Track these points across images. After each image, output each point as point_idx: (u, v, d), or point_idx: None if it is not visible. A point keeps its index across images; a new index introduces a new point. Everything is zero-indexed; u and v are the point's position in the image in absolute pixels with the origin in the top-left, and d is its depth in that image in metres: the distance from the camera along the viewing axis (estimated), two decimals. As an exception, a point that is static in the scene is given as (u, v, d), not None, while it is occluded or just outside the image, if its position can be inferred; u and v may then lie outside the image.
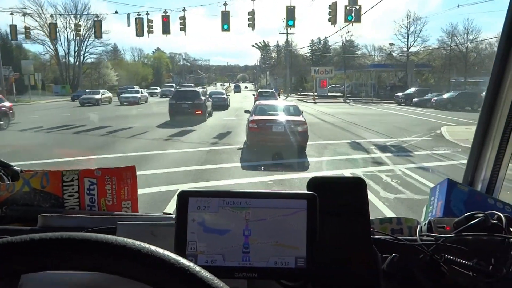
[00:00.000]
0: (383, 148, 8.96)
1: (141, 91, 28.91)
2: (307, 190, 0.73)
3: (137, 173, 0.94)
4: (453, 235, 0.80)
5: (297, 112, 8.81)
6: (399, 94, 27.88)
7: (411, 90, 28.07)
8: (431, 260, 0.76)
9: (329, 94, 38.63)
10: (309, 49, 57.49)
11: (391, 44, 43.60)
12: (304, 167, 6.89)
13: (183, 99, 14.07)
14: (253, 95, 25.84)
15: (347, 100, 30.50)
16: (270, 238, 0.66)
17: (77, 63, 44.45)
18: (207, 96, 16.92)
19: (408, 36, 39.92)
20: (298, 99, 31.57)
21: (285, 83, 52.41)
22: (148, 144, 9.08)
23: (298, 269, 0.65)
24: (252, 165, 6.74)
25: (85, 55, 45.97)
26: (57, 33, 40.59)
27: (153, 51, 73.66)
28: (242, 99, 36.25)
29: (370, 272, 0.71)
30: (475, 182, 1.14)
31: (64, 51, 44.43)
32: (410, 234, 0.90)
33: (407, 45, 40.22)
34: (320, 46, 58.95)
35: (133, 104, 24.47)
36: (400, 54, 41.06)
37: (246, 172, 6.27)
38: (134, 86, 35.79)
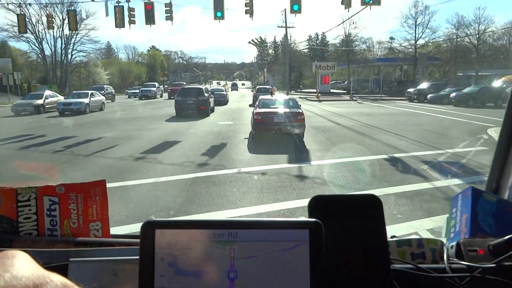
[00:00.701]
0: (440, 169, 6.46)
1: (93, 94, 21.19)
2: (309, 213, 0.65)
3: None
4: (493, 264, 0.70)
5: (296, 105, 10.66)
6: (411, 89, 27.46)
7: (424, 85, 27.49)
8: None
9: (332, 91, 38.86)
10: (307, 44, 58.24)
11: (391, 38, 43.78)
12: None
13: (188, 95, 16.09)
14: (252, 91, 35.06)
15: (354, 98, 30.01)
16: (263, 281, 0.54)
17: (65, 61, 44.55)
18: (209, 93, 19.07)
19: (415, 27, 39.47)
20: (299, 97, 31.09)
21: (284, 80, 53.13)
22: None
23: None
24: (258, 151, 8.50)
25: (73, 53, 46.28)
26: (34, 27, 40.30)
27: (148, 49, 75.22)
28: (240, 98, 34.46)
29: None
30: (501, 189, 1.06)
31: (51, 49, 44.70)
32: (434, 259, 0.80)
33: (415, 37, 39.74)
34: (318, 42, 59.73)
35: (75, 114, 17.94)
36: (408, 47, 40.30)
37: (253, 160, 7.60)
38: (105, 86, 33.16)
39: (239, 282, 0.53)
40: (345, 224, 0.65)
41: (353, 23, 42.13)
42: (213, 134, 10.77)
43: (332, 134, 10.69)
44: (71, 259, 0.66)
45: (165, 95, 36.26)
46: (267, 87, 27.41)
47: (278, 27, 45.15)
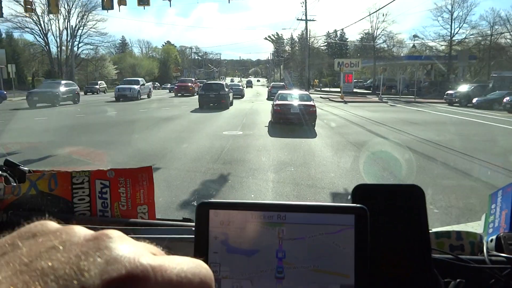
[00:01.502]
0: None
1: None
2: (352, 200, 0.72)
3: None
4: None
5: (309, 98, 13.97)
6: (451, 91, 26.34)
7: (466, 87, 26.30)
8: (505, 287, 0.74)
9: (355, 90, 38.47)
10: (325, 41, 58.03)
11: (414, 36, 42.91)
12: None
13: (210, 90, 20.05)
14: (267, 87, 43.02)
15: (383, 99, 28.98)
16: (309, 262, 0.62)
17: (70, 55, 45.21)
18: (229, 88, 23.21)
19: (452, 22, 38.49)
20: (321, 97, 30.76)
21: (301, 78, 53.12)
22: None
23: None
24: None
25: (80, 45, 47.20)
26: (39, 18, 40.79)
27: (163, 45, 77.39)
28: (254, 96, 34.75)
29: None
30: None
31: (56, 41, 45.77)
32: (472, 252, 0.89)
33: (451, 32, 38.68)
34: (336, 39, 59.58)
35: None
36: (440, 44, 39.77)
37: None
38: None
39: (287, 261, 0.61)
40: (387, 212, 0.72)
41: (383, 15, 41.42)
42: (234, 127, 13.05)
43: (394, 165, 7.25)
44: (129, 235, 0.78)
45: (162, 92, 37.58)
46: (281, 83, 37.59)
47: (298, 19, 45.53)
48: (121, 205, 0.98)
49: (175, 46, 79.57)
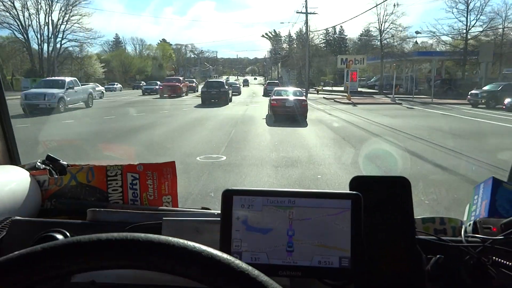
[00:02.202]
0: None
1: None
2: (350, 189, 0.91)
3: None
4: (502, 237, 0.99)
5: (301, 94, 18.57)
6: (476, 91, 24.30)
7: (492, 85, 24.31)
8: (477, 262, 0.94)
9: (359, 89, 38.13)
10: (324, 38, 58.43)
11: (417, 32, 42.60)
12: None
13: (212, 87, 25.01)
14: (263, 85, 47.71)
15: (396, 100, 27.93)
16: (314, 238, 0.83)
17: (52, 52, 44.32)
18: (229, 85, 30.37)
19: (468, 14, 36.98)
20: (324, 97, 30.54)
21: (300, 76, 52.87)
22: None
23: (342, 269, 0.82)
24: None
25: (63, 42, 46.11)
26: (18, 13, 39.42)
27: (158, 43, 78.23)
28: (249, 97, 33.81)
29: (415, 273, 0.87)
30: None
31: (37, 37, 44.67)
32: (454, 235, 1.14)
33: (466, 25, 37.33)
34: (335, 36, 59.84)
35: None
36: (457, 38, 38.40)
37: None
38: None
39: (296, 238, 0.83)
40: (379, 199, 0.94)
41: (394, 5, 39.94)
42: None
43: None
44: (164, 218, 1.03)
45: (133, 92, 36.97)
46: (276, 81, 43.68)
47: (297, 12, 45.17)
48: (149, 195, 1.24)
49: (171, 44, 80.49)
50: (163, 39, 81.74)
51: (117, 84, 48.16)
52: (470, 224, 1.12)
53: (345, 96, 29.99)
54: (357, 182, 0.94)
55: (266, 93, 32.27)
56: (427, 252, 0.91)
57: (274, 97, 17.25)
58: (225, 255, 0.51)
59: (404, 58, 39.49)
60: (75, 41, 47.65)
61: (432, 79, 29.88)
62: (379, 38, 42.18)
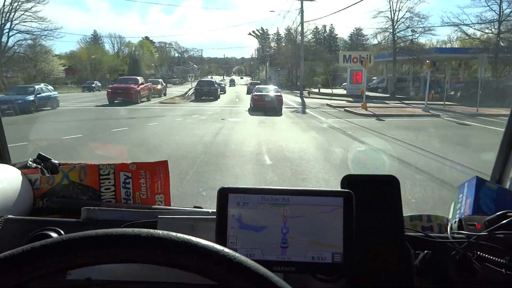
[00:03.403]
0: None
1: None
2: (341, 188, 0.96)
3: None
4: (486, 233, 1.06)
5: (277, 90, 22.98)
6: None
7: None
8: (463, 257, 0.99)
9: (366, 93, 31.82)
10: (314, 37, 55.94)
11: (413, 31, 36.50)
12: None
13: (204, 86, 30.24)
14: (247, 85, 48.85)
15: (429, 110, 20.25)
16: (308, 235, 0.87)
17: None
18: (217, 84, 33.76)
19: (500, 2, 29.56)
20: (328, 104, 25.02)
21: (290, 76, 51.94)
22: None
23: (335, 264, 0.86)
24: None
25: (10, 34, 38.23)
26: None
27: (138, 41, 76.48)
28: (230, 104, 27.32)
29: (403, 268, 0.92)
30: (503, 179, 1.46)
31: None
32: (440, 232, 1.20)
33: (499, 15, 29.84)
34: (325, 34, 59.42)
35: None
36: (487, 31, 31.21)
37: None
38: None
39: (290, 235, 0.87)
40: (369, 197, 0.99)
41: None
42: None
43: None
44: (159, 216, 1.06)
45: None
46: (257, 82, 46.07)
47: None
48: (142, 194, 1.26)
49: (154, 42, 79.21)
50: (146, 37, 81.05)
51: (95, 84, 42.24)
52: (455, 221, 1.18)
53: (351, 101, 26.63)
54: (348, 180, 0.98)
55: (249, 92, 34.86)
56: (415, 248, 0.97)
57: (255, 93, 22.14)
58: (224, 248, 0.54)
59: (422, 56, 32.26)
60: (27, 33, 39.90)
61: (480, 82, 20.54)
62: (390, 30, 36.01)
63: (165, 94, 34.33)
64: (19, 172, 1.25)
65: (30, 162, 1.32)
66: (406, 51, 34.32)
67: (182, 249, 0.53)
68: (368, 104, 22.06)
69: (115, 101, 24.13)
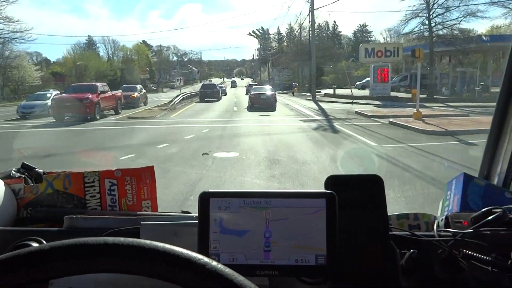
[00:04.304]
0: None
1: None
2: (325, 189, 0.97)
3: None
4: (471, 230, 1.06)
5: (272, 90, 26.26)
6: None
7: None
8: (449, 255, 1.01)
9: (391, 93, 27.45)
10: (317, 35, 54.53)
11: (423, 23, 30.25)
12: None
13: (208, 89, 35.67)
14: (245, 87, 52.28)
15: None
16: (291, 238, 0.88)
17: None
18: (219, 87, 39.50)
19: None
20: (357, 111, 19.58)
21: (294, 76, 50.72)
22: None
23: (319, 266, 0.87)
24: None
25: None
26: None
27: (134, 44, 76.42)
28: (224, 115, 21.86)
29: (389, 268, 0.93)
30: (491, 175, 1.47)
31: None
32: (427, 230, 1.21)
33: None
34: (328, 32, 58.13)
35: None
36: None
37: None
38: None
39: (273, 240, 0.88)
40: (353, 197, 1.00)
41: None
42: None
43: None
44: (142, 222, 1.07)
45: None
46: (255, 83, 49.79)
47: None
48: (128, 200, 1.27)
49: (152, 46, 79.44)
50: (143, 41, 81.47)
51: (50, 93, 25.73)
52: (442, 219, 1.19)
53: (380, 105, 22.38)
54: (332, 181, 1.00)
55: (247, 92, 37.83)
56: (401, 247, 0.98)
57: (252, 92, 26.27)
58: (189, 252, 0.54)
59: (467, 46, 26.50)
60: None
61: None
62: (425, 14, 28.99)
63: (145, 103, 29.01)
64: (1, 182, 1.26)
65: (14, 172, 1.33)
66: (446, 40, 28.01)
67: (150, 257, 0.54)
68: (411, 110, 16.50)
69: (65, 118, 18.79)
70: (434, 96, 25.88)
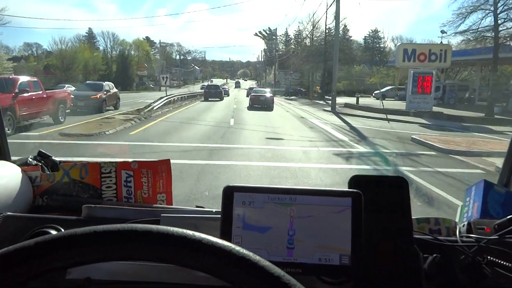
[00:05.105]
0: None
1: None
2: (349, 188, 0.97)
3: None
4: (496, 236, 1.07)
5: (270, 92, 30.73)
6: None
7: None
8: (472, 261, 1.01)
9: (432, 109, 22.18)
10: (325, 37, 51.09)
11: (442, 32, 29.71)
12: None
13: (211, 89, 39.06)
14: (247, 89, 54.10)
15: None
16: (315, 236, 0.88)
17: None
18: (222, 88, 42.20)
19: None
20: (413, 138, 12.92)
21: (307, 81, 48.63)
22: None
23: (342, 266, 0.87)
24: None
25: None
26: None
27: (134, 39, 76.18)
28: (210, 135, 13.47)
29: (412, 271, 0.93)
30: (511, 183, 1.48)
31: None
32: (448, 235, 1.20)
33: None
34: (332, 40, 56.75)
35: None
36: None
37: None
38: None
39: (297, 238, 0.88)
40: (377, 198, 1.00)
41: None
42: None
43: None
44: (162, 214, 1.07)
45: None
46: (254, 86, 51.43)
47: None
48: (143, 193, 1.28)
49: (155, 43, 79.08)
50: (146, 37, 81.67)
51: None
52: (464, 225, 1.20)
53: (427, 126, 17.84)
54: (356, 181, 1.01)
55: (248, 95, 40.50)
56: (423, 251, 0.98)
57: (252, 94, 30.51)
58: (242, 249, 0.53)
59: None
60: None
61: None
62: (490, 8, 23.01)
63: (116, 106, 22.57)
64: (19, 169, 1.28)
65: (30, 159, 1.34)
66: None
67: (195, 248, 0.53)
68: (493, 138, 13.23)
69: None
70: (496, 116, 20.76)
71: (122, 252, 0.53)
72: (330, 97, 28.07)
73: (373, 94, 36.03)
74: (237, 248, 0.52)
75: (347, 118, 20.83)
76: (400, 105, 25.37)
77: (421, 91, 22.13)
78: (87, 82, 27.05)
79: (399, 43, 23.61)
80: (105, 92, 21.52)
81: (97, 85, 22.54)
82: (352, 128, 17.19)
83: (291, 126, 17.42)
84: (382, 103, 21.29)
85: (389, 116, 20.03)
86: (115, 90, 23.59)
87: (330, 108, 26.49)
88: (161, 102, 23.42)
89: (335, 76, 27.88)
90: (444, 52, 22.28)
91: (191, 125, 16.67)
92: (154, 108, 21.18)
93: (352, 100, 30.95)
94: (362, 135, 15.07)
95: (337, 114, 23.59)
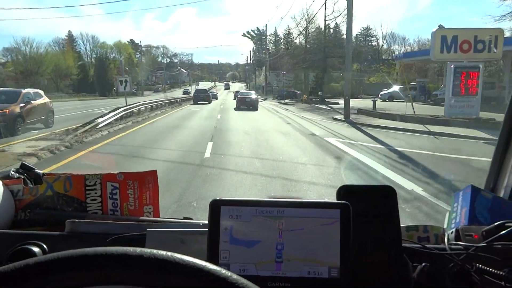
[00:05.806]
0: None
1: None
2: (337, 199, 0.98)
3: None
4: (485, 244, 1.08)
5: (254, 94, 36.94)
6: None
7: None
8: (461, 269, 1.03)
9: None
10: (317, 35, 49.92)
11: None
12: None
13: (200, 93, 45.53)
14: (234, 92, 60.73)
15: None
16: (303, 249, 0.89)
17: None
18: (210, 92, 50.53)
19: None
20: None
21: (296, 82, 48.52)
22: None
23: (332, 279, 0.88)
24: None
25: None
26: None
27: (116, 42, 75.72)
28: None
29: (402, 281, 0.95)
30: (497, 188, 1.50)
31: None
32: (436, 242, 1.22)
33: None
34: (330, 36, 52.41)
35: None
36: None
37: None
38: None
39: (285, 249, 0.89)
40: (366, 208, 1.02)
41: None
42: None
43: None
44: (148, 229, 1.06)
45: None
46: (241, 90, 55.84)
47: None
48: (129, 205, 1.27)
49: (140, 46, 78.72)
50: (131, 40, 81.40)
51: None
52: (452, 232, 1.22)
53: (491, 141, 10.62)
54: (344, 191, 1.02)
55: (235, 98, 45.18)
56: (412, 260, 1.00)
57: (239, 96, 35.78)
58: (216, 267, 0.54)
59: None
60: None
61: None
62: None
63: (46, 124, 17.00)
64: (0, 182, 1.27)
65: (12, 172, 1.33)
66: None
67: (167, 268, 0.53)
68: None
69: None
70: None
71: (102, 278, 0.54)
72: (331, 100, 27.52)
73: (379, 96, 32.23)
74: (214, 267, 0.54)
75: (374, 133, 15.12)
76: (424, 108, 21.24)
77: (464, 92, 17.28)
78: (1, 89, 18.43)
79: (435, 29, 17.81)
80: (22, 105, 15.31)
81: (11, 94, 16.31)
82: (403, 156, 10.27)
83: (308, 159, 10.03)
84: (413, 108, 18.14)
85: (428, 126, 15.51)
86: (44, 100, 17.43)
87: (341, 116, 20.95)
88: (113, 116, 17.87)
89: (349, 76, 22.75)
90: (494, 39, 17.15)
91: (144, 161, 9.61)
92: (99, 126, 15.48)
93: (357, 103, 26.36)
94: (433, 174, 8.16)
95: (355, 126, 17.85)
